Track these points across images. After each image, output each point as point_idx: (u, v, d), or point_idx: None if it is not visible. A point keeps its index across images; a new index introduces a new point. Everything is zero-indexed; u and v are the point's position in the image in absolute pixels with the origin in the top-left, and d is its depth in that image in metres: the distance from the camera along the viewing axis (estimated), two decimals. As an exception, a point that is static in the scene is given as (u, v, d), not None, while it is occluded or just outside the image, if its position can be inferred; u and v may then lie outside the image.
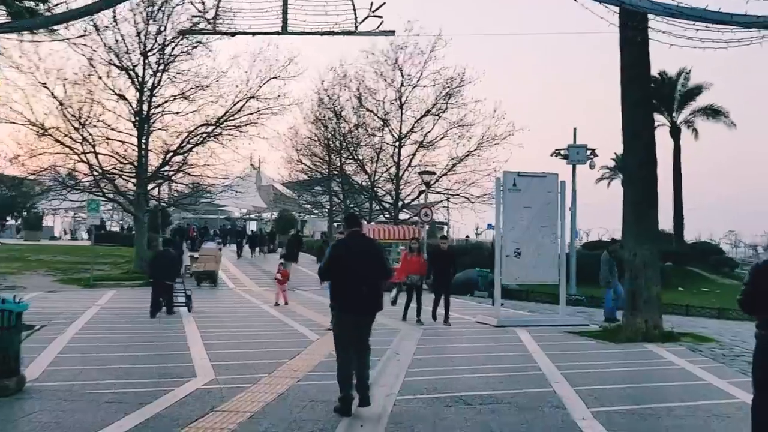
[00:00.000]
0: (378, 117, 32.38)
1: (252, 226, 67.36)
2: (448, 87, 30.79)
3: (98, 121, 26.45)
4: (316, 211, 49.78)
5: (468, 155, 30.70)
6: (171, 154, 27.77)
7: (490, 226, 76.91)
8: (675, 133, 42.85)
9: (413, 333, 12.52)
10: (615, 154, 49.51)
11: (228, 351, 10.13)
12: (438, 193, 31.91)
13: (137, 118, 27.52)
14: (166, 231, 54.11)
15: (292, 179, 43.03)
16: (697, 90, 42.39)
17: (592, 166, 28.21)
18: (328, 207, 43.78)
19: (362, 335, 6.66)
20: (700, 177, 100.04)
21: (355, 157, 34.77)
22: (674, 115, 43.20)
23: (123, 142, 27.61)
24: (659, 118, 43.97)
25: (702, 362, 10.07)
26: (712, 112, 42.68)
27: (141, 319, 14.24)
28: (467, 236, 75.57)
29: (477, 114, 30.44)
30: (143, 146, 27.48)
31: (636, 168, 12.90)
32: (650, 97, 12.97)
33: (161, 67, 27.52)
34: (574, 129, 27.00)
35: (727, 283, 39.44)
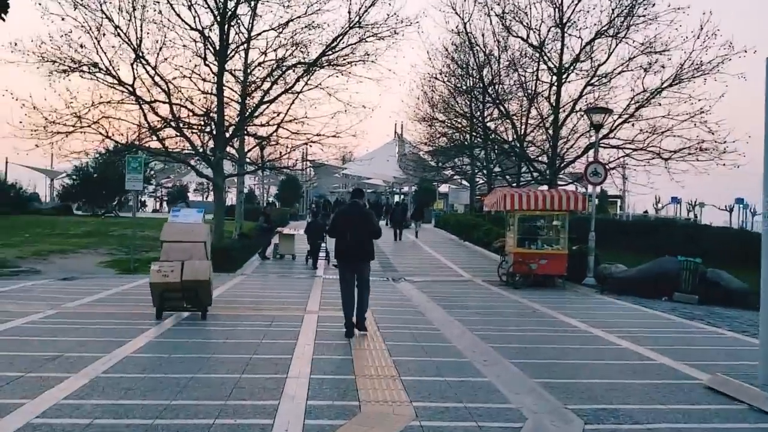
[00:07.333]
0: (530, 45, 23.82)
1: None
2: (631, -4, 21.54)
3: (165, 61, 20.85)
4: (465, 182, 41.84)
5: (659, 91, 21.37)
6: (256, 99, 21.67)
7: (674, 200, 64.40)
8: None
9: None
10: None
11: None
12: (613, 147, 22.87)
13: (217, 58, 21.64)
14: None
15: (425, 141, 35.74)
16: None
17: None
18: (470, 173, 36.00)
19: (359, 277, 8.94)
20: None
21: (501, 109, 26.64)
22: None
23: (201, 90, 21.73)
24: None
25: None
26: None
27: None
28: (646, 211, 64.03)
29: (674, 31, 20.86)
30: (223, 93, 21.57)
31: None
32: None
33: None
34: None
35: None
